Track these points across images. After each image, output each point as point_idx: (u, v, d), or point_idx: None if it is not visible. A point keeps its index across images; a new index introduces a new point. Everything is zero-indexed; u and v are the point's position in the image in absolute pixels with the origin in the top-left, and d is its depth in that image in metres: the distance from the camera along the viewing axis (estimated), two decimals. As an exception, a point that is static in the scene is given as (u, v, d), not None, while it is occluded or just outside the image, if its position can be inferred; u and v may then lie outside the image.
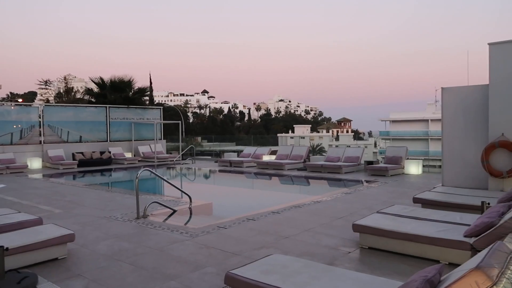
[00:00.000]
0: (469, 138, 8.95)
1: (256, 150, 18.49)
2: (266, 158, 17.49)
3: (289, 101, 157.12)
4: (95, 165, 18.46)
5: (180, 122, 21.79)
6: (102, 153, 19.40)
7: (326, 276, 3.50)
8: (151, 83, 36.65)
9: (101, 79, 22.08)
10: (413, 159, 14.42)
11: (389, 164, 13.46)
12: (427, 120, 59.54)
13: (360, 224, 5.40)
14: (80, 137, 19.75)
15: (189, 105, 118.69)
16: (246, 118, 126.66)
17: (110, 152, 19.62)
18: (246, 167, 16.80)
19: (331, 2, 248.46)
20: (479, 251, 4.54)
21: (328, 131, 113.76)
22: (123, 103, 21.08)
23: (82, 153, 18.82)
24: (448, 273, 3.01)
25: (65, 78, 23.49)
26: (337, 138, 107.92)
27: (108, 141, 20.56)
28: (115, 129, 20.96)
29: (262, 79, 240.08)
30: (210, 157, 24.51)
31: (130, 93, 22.16)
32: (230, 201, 10.32)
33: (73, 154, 18.52)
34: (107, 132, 20.60)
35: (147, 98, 23.90)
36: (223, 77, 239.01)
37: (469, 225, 5.15)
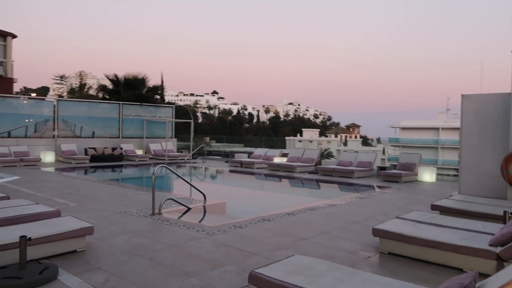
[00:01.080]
0: (488, 146, 8.82)
1: (267, 151, 18.44)
2: (277, 160, 17.44)
3: (298, 105, 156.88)
4: (106, 160, 18.55)
5: (191, 121, 21.83)
6: (114, 149, 19.50)
7: (352, 279, 3.45)
8: (162, 81, 36.80)
9: (115, 76, 22.23)
10: (426, 166, 14.26)
11: (403, 171, 13.33)
12: (437, 128, 59.08)
13: (380, 229, 5.32)
14: (93, 132, 19.87)
15: (198, 105, 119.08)
16: (255, 120, 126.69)
17: (121, 149, 19.71)
18: (257, 168, 16.76)
19: (345, 3, 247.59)
20: (505, 260, 4.47)
21: (336, 136, 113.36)
22: (136, 100, 21.18)
23: (94, 148, 18.93)
24: (482, 281, 2.95)
25: (80, 74, 23.62)
26: (345, 143, 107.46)
27: (120, 137, 20.66)
28: (127, 126, 21.06)
29: (272, 82, 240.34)
30: (219, 157, 24.51)
31: (144, 91, 22.25)
32: (243, 201, 10.28)
33: (85, 149, 18.63)
34: (119, 129, 20.70)
35: (158, 96, 23.97)
36: (233, 78, 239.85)
37: (492, 234, 5.06)
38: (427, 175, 13.40)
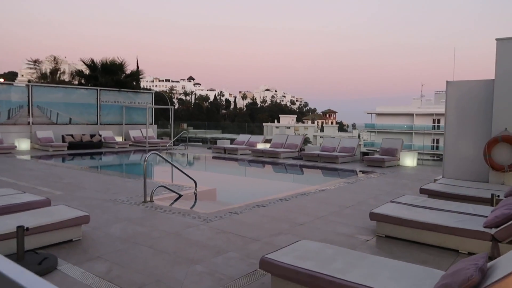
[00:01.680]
0: (471, 132, 9.08)
1: (250, 138, 18.40)
2: (261, 146, 17.45)
3: (275, 91, 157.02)
4: (85, 148, 18.08)
5: (171, 107, 21.49)
6: (92, 136, 19.02)
7: (361, 263, 3.49)
8: (138, 66, 35.94)
9: (92, 61, 21.54)
10: (407, 151, 14.59)
11: (385, 156, 13.59)
12: (412, 114, 60.41)
13: (378, 213, 5.41)
14: (70, 119, 19.29)
15: (174, 91, 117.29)
16: (232, 106, 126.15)
17: (100, 136, 19.24)
18: (241, 154, 16.72)
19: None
20: (500, 241, 4.63)
21: (313, 122, 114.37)
22: (114, 86, 20.63)
23: (71, 135, 18.41)
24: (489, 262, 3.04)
25: (54, 59, 22.56)
26: (322, 129, 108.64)
27: (99, 124, 20.15)
28: (106, 112, 20.54)
29: (248, 68, 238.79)
30: (200, 143, 24.33)
31: (122, 76, 21.69)
32: (233, 187, 10.24)
33: (62, 136, 18.09)
34: (97, 115, 20.17)
35: (136, 83, 23.41)
36: (209, 64, 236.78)
37: (484, 216, 5.23)
38: (409, 160, 13.72)
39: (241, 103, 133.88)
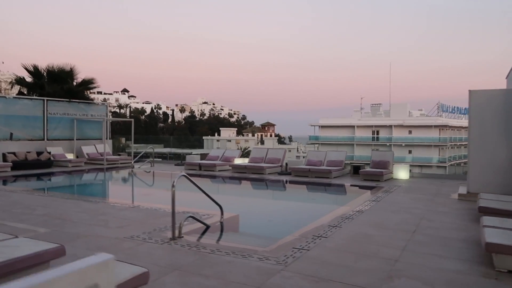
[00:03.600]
0: (501, 142, 8.68)
1: (225, 152, 17.02)
2: (239, 161, 16.14)
3: (213, 104, 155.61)
4: (31, 168, 15.44)
5: (132, 120, 19.42)
6: (39, 153, 16.38)
7: None
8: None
9: (35, 67, 18.76)
10: (398, 164, 14.20)
11: (377, 169, 13.01)
12: (353, 126, 62.41)
13: (497, 243, 4.49)
14: (11, 134, 16.48)
15: (94, 104, 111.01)
16: (170, 119, 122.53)
17: (49, 153, 16.66)
18: (219, 171, 15.29)
19: (256, 1, 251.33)
20: None
21: (253, 135, 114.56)
22: (64, 96, 18.10)
23: (14, 153, 15.67)
24: None
25: None
26: (262, 142, 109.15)
27: (46, 139, 17.49)
28: (54, 126, 17.91)
29: (185, 80, 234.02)
30: (160, 159, 22.36)
31: (73, 85, 19.16)
32: (252, 212, 8.70)
33: (3, 155, 15.31)
34: (44, 129, 17.51)
35: (90, 91, 20.86)
36: (144, 76, 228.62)
37: None
38: (403, 173, 13.26)
39: (179, 116, 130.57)
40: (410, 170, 13.64)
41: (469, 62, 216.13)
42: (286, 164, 15.12)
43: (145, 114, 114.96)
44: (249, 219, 7.67)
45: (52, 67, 18.76)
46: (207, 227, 6.26)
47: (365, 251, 5.10)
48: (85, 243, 5.35)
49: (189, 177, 5.88)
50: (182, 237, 5.60)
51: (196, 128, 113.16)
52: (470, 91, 9.01)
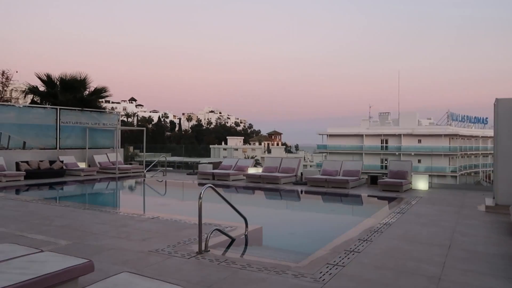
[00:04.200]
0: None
1: (238, 161, 16.84)
2: (252, 170, 15.93)
3: (220, 113, 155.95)
4: (44, 177, 15.36)
5: (144, 129, 19.35)
6: (52, 162, 16.30)
7: None
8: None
9: (48, 76, 18.78)
10: (417, 174, 13.91)
11: (396, 179, 12.72)
12: (362, 135, 62.00)
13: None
14: (24, 143, 16.45)
15: (106, 112, 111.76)
16: (177, 128, 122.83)
17: (62, 162, 16.57)
18: (233, 180, 15.08)
19: (265, 13, 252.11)
20: None
21: (260, 144, 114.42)
22: (77, 105, 18.07)
23: (27, 162, 15.60)
24: None
25: (3, 74, 18.95)
26: (269, 151, 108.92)
27: (58, 148, 17.44)
28: (66, 135, 17.88)
29: (192, 89, 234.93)
30: (171, 168, 22.21)
31: (86, 94, 19.16)
32: (275, 224, 8.44)
33: (16, 164, 15.24)
34: (56, 138, 17.47)
35: (103, 100, 20.88)
36: (151, 84, 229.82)
37: None
38: (422, 183, 12.96)
39: (186, 125, 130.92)
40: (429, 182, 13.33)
41: (480, 70, 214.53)
42: (301, 173, 14.89)
43: (152, 122, 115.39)
44: (273, 232, 7.44)
45: (65, 76, 18.78)
46: (233, 240, 6.03)
47: (403, 267, 4.84)
48: (110, 257, 5.15)
49: (215, 189, 5.66)
50: (209, 250, 5.38)
51: (203, 137, 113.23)
52: (497, 99, 8.76)
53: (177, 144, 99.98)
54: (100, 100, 21.60)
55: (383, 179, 12.96)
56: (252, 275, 4.47)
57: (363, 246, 5.75)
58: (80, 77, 19.48)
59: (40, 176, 15.28)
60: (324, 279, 4.34)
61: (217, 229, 5.82)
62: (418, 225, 7.35)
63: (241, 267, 4.75)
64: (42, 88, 18.82)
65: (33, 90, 18.51)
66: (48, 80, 18.79)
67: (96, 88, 19.41)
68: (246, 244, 6.23)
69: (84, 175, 16.36)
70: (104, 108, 21.06)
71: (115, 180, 16.14)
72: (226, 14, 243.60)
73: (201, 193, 5.39)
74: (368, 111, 76.48)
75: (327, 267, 4.75)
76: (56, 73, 18.94)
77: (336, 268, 4.72)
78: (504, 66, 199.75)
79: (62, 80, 18.58)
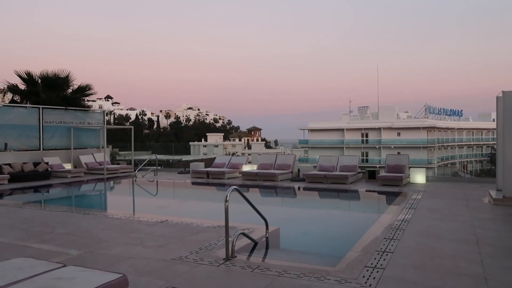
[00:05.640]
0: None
1: (231, 159, 16.50)
2: (247, 168, 15.65)
3: (198, 109, 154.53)
4: (29, 179, 14.60)
5: (132, 127, 18.74)
6: (36, 164, 15.55)
7: None
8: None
9: (28, 74, 17.89)
10: (415, 167, 13.95)
11: (394, 173, 12.71)
12: (342, 130, 62.51)
13: None
14: (5, 144, 15.62)
15: (91, 111, 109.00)
16: (155, 126, 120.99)
17: (47, 163, 15.83)
18: (228, 178, 14.76)
19: (244, 9, 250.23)
20: None
21: (240, 140, 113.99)
22: (61, 103, 17.29)
23: (9, 164, 14.82)
24: None
25: None
26: (249, 147, 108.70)
27: (41, 149, 16.67)
28: (50, 135, 17.11)
29: (169, 86, 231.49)
30: (159, 167, 21.65)
31: (69, 92, 18.35)
32: (284, 224, 8.21)
33: (0, 166, 14.46)
34: (40, 139, 16.68)
35: (88, 98, 20.03)
36: (128, 82, 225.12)
37: None
38: (420, 177, 12.99)
39: (164, 122, 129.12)
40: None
41: (457, 64, 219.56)
42: (298, 170, 14.70)
43: (130, 120, 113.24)
44: (289, 232, 7.19)
45: (47, 73, 17.93)
46: (256, 243, 5.75)
47: (442, 267, 4.68)
48: (131, 267, 4.79)
49: (240, 191, 5.36)
50: (236, 256, 5.09)
51: (182, 134, 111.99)
52: (503, 92, 8.76)
53: (156, 142, 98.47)
54: (82, 98, 20.79)
55: (382, 173, 12.91)
56: (293, 282, 4.20)
57: (392, 245, 5.58)
58: (63, 74, 18.65)
59: (25, 179, 14.53)
60: (370, 284, 4.12)
61: (242, 233, 5.51)
62: (435, 220, 7.25)
63: (277, 273, 4.48)
64: (22, 86, 17.92)
65: (12, 88, 17.58)
66: (28, 78, 17.90)
67: (79, 86, 18.62)
68: (267, 247, 5.97)
69: (71, 177, 15.69)
70: (89, 107, 20.22)
71: (105, 181, 15.56)
72: (202, 11, 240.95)
73: (227, 195, 5.08)
74: (348, 106, 77.06)
75: (367, 270, 4.53)
76: (36, 71, 18.08)
77: (377, 271, 4.51)
78: (481, 60, 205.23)
79: (44, 77, 17.73)
